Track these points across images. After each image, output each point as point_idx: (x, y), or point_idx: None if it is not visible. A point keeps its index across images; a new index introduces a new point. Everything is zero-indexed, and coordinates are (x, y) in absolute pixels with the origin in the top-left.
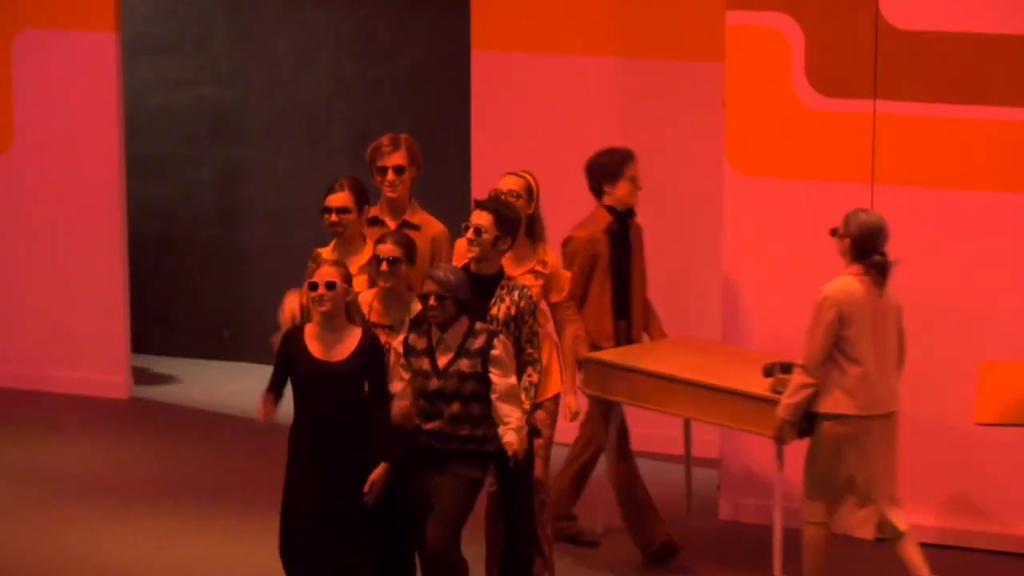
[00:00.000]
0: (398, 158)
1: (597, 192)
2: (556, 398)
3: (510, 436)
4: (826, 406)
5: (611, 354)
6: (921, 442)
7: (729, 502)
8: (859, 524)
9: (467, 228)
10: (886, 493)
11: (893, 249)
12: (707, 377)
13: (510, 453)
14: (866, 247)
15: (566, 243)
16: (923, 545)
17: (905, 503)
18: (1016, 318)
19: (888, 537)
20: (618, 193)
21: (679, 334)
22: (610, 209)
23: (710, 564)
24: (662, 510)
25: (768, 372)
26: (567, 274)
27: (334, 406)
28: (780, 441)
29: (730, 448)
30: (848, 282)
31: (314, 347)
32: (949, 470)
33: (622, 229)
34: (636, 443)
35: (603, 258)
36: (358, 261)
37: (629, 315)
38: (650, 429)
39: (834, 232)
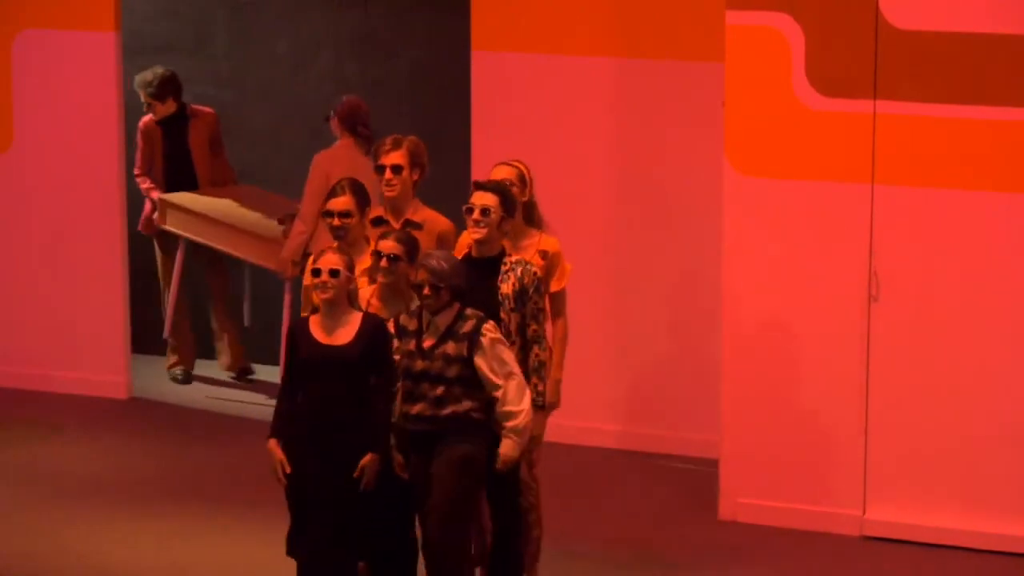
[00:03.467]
0: (396, 157)
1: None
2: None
3: (505, 446)
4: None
5: (183, 198)
6: (920, 442)
7: (729, 502)
8: None
9: (470, 210)
10: None
11: (893, 249)
12: (239, 222)
13: (499, 465)
14: (352, 122)
15: None
16: (923, 545)
17: (908, 504)
18: (1016, 318)
19: None
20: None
21: (680, 334)
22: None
23: (710, 564)
24: (662, 510)
25: (281, 221)
26: (568, 265)
27: (338, 389)
28: (282, 275)
29: (730, 448)
30: (336, 151)
31: (317, 332)
32: (950, 469)
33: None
34: (635, 443)
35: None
36: (361, 263)
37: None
38: (650, 429)
39: (327, 118)
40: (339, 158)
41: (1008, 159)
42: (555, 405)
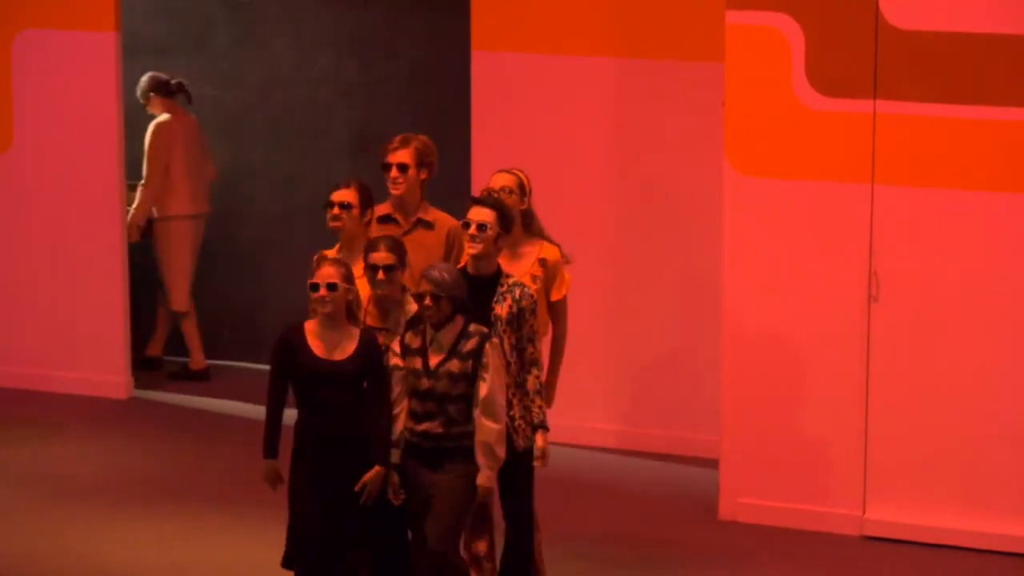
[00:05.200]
0: (402, 155)
1: None
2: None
3: (482, 477)
4: (168, 210)
5: None
6: (920, 442)
7: (729, 502)
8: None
9: (467, 225)
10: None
11: (893, 249)
12: None
13: (480, 495)
14: (165, 89)
15: None
16: (923, 545)
17: (908, 504)
18: (1016, 318)
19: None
20: None
21: (679, 333)
22: None
23: (710, 564)
24: (661, 510)
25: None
26: (568, 275)
27: (336, 405)
28: (131, 236)
29: (730, 448)
30: (171, 119)
31: (316, 346)
32: (950, 469)
33: None
34: (635, 443)
35: None
36: (358, 262)
37: None
38: (650, 429)
39: (146, 104)
40: (173, 124)
41: (1008, 159)
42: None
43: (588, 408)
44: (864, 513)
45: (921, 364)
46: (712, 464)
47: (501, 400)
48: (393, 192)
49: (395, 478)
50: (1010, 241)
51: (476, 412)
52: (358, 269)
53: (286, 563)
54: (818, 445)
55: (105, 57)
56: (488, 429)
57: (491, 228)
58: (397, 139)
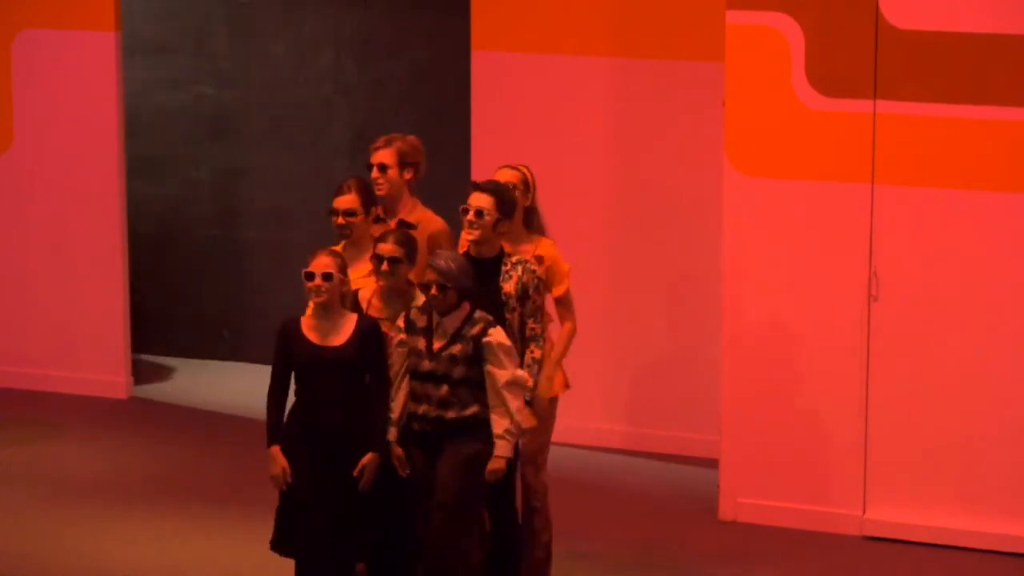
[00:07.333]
0: (383, 156)
1: None
2: (553, 401)
3: (496, 463)
4: None
5: None
6: (920, 442)
7: (729, 502)
8: None
9: (466, 211)
10: None
11: (893, 249)
12: None
13: (489, 479)
14: None
15: None
16: (923, 545)
17: (908, 504)
18: (1016, 318)
19: None
20: None
21: (679, 333)
22: None
23: (710, 564)
24: (662, 510)
25: None
26: (566, 267)
27: (334, 391)
28: None
29: (730, 448)
30: None
31: (312, 335)
32: (949, 469)
33: None
34: (635, 443)
35: None
36: (367, 262)
37: None
38: (650, 429)
39: None
40: None
41: (1008, 159)
42: (554, 401)
43: (589, 408)
44: (864, 513)
45: (921, 364)
46: (712, 464)
47: (522, 375)
48: (376, 192)
49: (399, 451)
50: (1010, 241)
51: (501, 393)
52: (366, 267)
53: (275, 546)
54: (818, 445)
55: (105, 57)
56: (516, 407)
57: (488, 214)
58: (381, 139)
